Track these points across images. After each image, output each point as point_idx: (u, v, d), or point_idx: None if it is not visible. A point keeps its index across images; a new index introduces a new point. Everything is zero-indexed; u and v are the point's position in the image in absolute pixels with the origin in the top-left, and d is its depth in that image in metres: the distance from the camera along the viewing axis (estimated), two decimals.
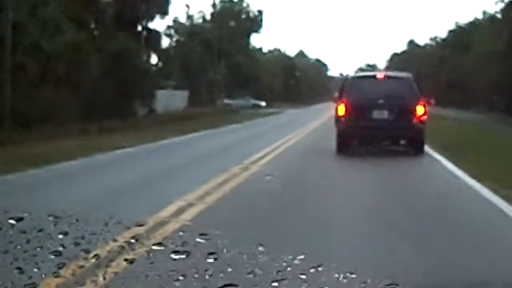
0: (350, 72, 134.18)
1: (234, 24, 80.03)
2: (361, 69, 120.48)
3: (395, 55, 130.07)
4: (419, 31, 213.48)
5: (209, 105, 52.31)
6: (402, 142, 15.61)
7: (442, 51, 77.45)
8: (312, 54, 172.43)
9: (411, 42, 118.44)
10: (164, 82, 66.02)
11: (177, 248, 1.87)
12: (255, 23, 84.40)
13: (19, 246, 1.94)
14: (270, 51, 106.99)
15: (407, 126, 14.94)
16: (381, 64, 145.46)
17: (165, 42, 67.42)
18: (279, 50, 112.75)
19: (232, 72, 70.48)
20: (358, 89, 15.42)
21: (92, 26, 32.50)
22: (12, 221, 2.00)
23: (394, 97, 15.18)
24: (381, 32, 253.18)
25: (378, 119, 15.08)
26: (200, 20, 79.10)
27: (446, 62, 73.23)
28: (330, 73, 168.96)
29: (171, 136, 21.40)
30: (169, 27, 70.74)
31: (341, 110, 15.18)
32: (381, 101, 15.13)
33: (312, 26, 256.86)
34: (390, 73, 18.42)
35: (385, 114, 15.15)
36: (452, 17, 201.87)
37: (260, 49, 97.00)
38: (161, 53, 61.92)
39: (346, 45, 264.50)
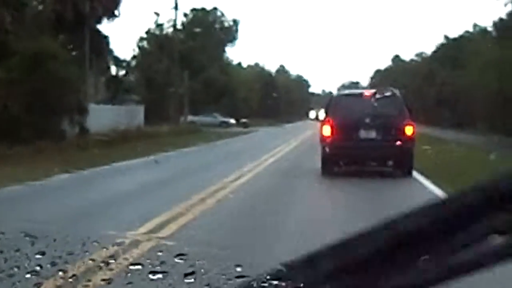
0: (333, 89, 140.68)
1: (207, 34, 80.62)
2: (344, 86, 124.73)
3: (378, 71, 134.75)
4: (404, 47, 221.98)
5: (170, 123, 51.49)
6: (390, 163, 16.33)
7: (429, 66, 79.26)
8: (293, 70, 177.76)
9: (396, 58, 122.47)
10: (127, 96, 66.36)
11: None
12: (229, 34, 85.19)
13: None
14: (249, 66, 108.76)
15: (395, 146, 15.66)
16: (365, 80, 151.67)
17: (129, 53, 68.16)
18: (258, 65, 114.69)
19: (204, 87, 71.14)
20: (344, 108, 16.12)
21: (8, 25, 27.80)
22: None
23: (381, 116, 15.92)
24: (365, 49, 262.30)
25: (365, 139, 15.81)
26: (171, 30, 79.54)
27: (435, 77, 74.79)
28: (312, 89, 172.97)
29: (74, 167, 16.59)
30: (142, 38, 71.44)
31: (326, 129, 15.89)
32: (368, 120, 15.86)
33: (294, 41, 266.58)
34: (377, 91, 19.24)
35: (372, 134, 15.89)
36: (438, 32, 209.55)
37: (239, 63, 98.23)
38: (118, 62, 62.33)
39: (328, 61, 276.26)
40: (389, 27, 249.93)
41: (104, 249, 2.68)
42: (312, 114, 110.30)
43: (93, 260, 2.38)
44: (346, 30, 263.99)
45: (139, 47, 72.64)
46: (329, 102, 17.09)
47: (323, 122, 16.37)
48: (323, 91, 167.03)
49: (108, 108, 41.24)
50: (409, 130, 15.85)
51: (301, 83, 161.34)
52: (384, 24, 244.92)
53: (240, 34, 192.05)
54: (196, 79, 70.07)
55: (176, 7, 47.98)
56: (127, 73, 69.40)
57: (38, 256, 2.19)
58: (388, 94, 16.76)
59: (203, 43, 77.36)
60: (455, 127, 62.23)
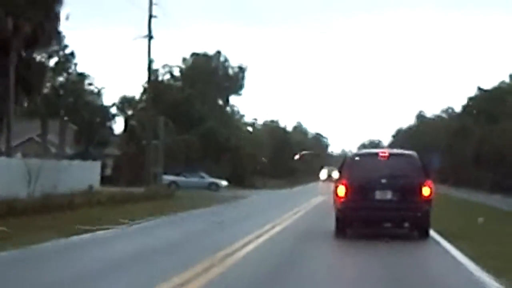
0: (353, 148, 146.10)
1: (207, 82, 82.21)
2: (364, 146, 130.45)
3: (400, 130, 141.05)
4: (428, 104, 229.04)
5: (141, 183, 48.57)
6: (406, 225, 18.73)
7: (461, 122, 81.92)
8: (311, 128, 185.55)
9: (420, 115, 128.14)
10: (108, 148, 68.65)
11: None
12: (234, 81, 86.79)
13: None
14: (265, 123, 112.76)
15: (412, 208, 18.07)
16: (386, 139, 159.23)
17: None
18: (274, 121, 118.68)
19: (203, 141, 72.86)
20: (359, 168, 18.65)
21: None
22: None
23: (398, 177, 18.42)
24: (386, 106, 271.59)
25: (381, 200, 18.25)
26: (168, 76, 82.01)
27: (468, 134, 76.95)
28: (331, 149, 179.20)
29: None
30: (119, 105, 74.36)
31: (341, 190, 18.36)
32: (384, 181, 18.34)
33: (312, 98, 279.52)
34: (393, 151, 21.75)
35: (388, 195, 18.33)
36: (467, 86, 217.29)
37: (242, 116, 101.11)
38: (96, 110, 64.46)
39: (348, 119, 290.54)
40: (412, 83, 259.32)
41: None
42: (323, 174, 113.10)
43: None
44: (367, 87, 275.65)
45: (119, 109, 75.13)
46: (343, 162, 19.63)
47: (337, 183, 18.82)
48: (343, 150, 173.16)
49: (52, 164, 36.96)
50: (426, 191, 18.24)
51: (320, 141, 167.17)
52: (406, 80, 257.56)
53: (249, 84, 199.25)
54: (192, 132, 72.14)
55: (150, 36, 46.72)
56: (102, 122, 71.78)
57: None
58: (404, 153, 19.28)
59: (203, 91, 79.07)
60: (495, 190, 62.90)
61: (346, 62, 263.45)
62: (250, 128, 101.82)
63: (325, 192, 44.31)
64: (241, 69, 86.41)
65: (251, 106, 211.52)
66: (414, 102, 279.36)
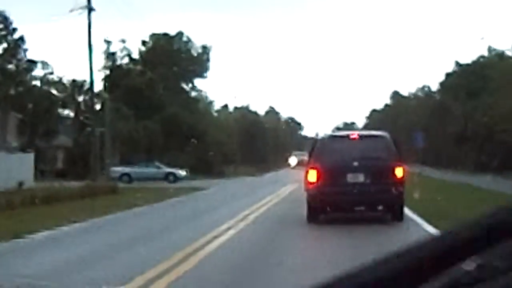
0: (327, 131, 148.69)
1: (169, 64, 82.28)
2: (338, 128, 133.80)
3: (375, 111, 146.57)
4: (401, 84, 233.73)
5: (85, 176, 47.99)
6: (380, 207, 19.58)
7: (438, 99, 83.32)
8: (284, 113, 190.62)
9: (395, 94, 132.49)
10: (53, 139, 67.92)
11: None
12: (198, 63, 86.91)
13: None
14: (236, 108, 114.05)
15: (385, 190, 18.90)
16: (360, 121, 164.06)
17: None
18: (245, 107, 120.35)
19: (165, 128, 72.79)
20: (329, 151, 19.42)
21: None
22: None
23: (370, 159, 19.25)
24: (359, 87, 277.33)
25: (353, 183, 19.08)
26: (126, 60, 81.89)
27: (449, 111, 78.17)
28: (305, 132, 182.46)
29: None
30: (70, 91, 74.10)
31: (312, 174, 19.14)
32: (355, 163, 19.15)
33: (284, 82, 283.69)
34: (364, 132, 22.57)
35: (360, 178, 19.17)
36: (444, 63, 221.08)
37: (210, 101, 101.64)
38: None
39: (322, 102, 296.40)
40: (385, 62, 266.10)
41: None
42: (292, 161, 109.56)
43: None
44: (340, 69, 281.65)
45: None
46: (313, 145, 20.34)
47: (307, 168, 19.60)
48: (317, 134, 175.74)
49: None
50: (399, 172, 19.08)
51: (293, 125, 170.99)
52: (379, 60, 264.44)
53: (216, 68, 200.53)
54: (154, 119, 72.03)
55: (89, 7, 46.04)
56: (49, 110, 70.86)
57: None
58: (376, 134, 20.10)
59: (165, 75, 79.11)
60: (481, 170, 62.76)
61: (317, 43, 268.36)
62: (215, 114, 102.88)
63: (296, 179, 43.46)
64: (205, 49, 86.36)
65: (220, 91, 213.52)
66: (388, 82, 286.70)
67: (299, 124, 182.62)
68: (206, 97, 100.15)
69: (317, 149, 19.65)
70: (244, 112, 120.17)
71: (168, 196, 36.45)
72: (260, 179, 68.01)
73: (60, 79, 72.94)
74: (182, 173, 60.31)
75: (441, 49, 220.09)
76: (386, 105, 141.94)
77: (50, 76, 72.50)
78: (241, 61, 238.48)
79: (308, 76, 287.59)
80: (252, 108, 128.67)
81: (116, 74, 74.32)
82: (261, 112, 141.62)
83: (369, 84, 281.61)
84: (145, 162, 61.42)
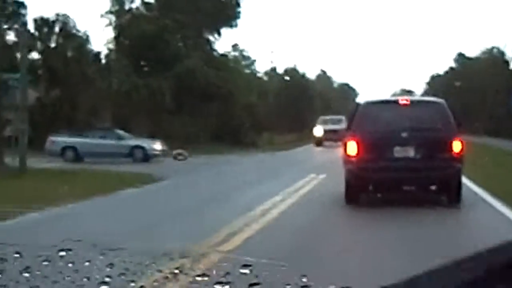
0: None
1: (189, 10, 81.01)
2: (395, 95, 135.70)
3: (436, 76, 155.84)
4: (466, 46, 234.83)
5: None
6: (433, 187, 19.94)
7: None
8: (338, 78, 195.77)
9: (460, 56, 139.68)
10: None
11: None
12: (226, 9, 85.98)
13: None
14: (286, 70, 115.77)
15: (440, 167, 19.24)
16: (419, 88, 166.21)
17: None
18: (293, 69, 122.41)
19: (179, 86, 70.70)
20: (373, 119, 19.79)
21: None
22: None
23: (422, 129, 19.56)
24: (418, 52, 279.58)
25: (401, 158, 19.43)
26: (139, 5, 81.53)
27: None
28: (360, 99, 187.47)
29: None
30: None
31: (351, 147, 19.54)
32: (404, 135, 19.46)
33: (337, 46, 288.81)
34: (416, 98, 22.88)
35: (410, 152, 19.51)
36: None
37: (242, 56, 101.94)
38: None
39: (378, 68, 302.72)
40: (447, 23, 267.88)
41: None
42: (318, 131, 78.73)
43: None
44: (397, 32, 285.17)
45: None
46: (354, 111, 20.63)
47: (347, 138, 19.98)
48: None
49: None
50: (457, 146, 19.38)
51: (346, 92, 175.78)
52: (440, 20, 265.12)
53: (253, 19, 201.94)
54: (164, 75, 70.56)
55: None
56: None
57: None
58: (430, 100, 20.43)
59: (183, 23, 77.71)
60: None
61: (373, 4, 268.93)
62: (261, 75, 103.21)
63: (324, 162, 39.65)
64: None
65: (258, 48, 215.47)
66: (450, 44, 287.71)
67: (353, 90, 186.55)
68: (243, 54, 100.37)
69: (358, 116, 19.91)
70: (290, 73, 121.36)
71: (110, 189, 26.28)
72: (286, 153, 62.79)
73: None
74: (157, 146, 48.78)
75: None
76: (451, 68, 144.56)
77: None
78: (285, 15, 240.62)
79: (363, 39, 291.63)
80: (300, 70, 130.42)
81: (124, 20, 74.10)
82: (312, 76, 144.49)
83: (429, 48, 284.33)
84: (102, 131, 51.19)
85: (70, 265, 3.77)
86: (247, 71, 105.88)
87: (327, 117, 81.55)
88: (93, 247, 4.20)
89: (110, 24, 74.91)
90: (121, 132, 50.25)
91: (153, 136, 53.16)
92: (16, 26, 64.77)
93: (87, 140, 48.02)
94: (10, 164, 35.25)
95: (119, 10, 76.13)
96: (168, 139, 55.70)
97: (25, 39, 41.71)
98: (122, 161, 45.20)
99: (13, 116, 35.40)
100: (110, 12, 75.62)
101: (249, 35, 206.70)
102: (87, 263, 3.82)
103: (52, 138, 48.10)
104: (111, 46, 70.79)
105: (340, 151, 20.96)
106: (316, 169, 33.85)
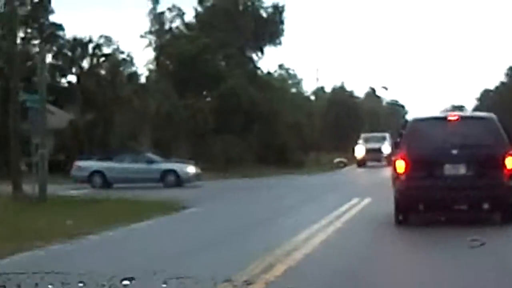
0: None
1: (230, 28, 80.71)
2: (445, 112, 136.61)
3: (486, 91, 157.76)
4: None
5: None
6: (485, 206, 19.82)
7: None
8: (386, 95, 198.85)
9: (511, 71, 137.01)
10: None
11: None
12: (269, 26, 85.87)
13: None
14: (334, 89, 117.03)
15: (492, 185, 19.15)
16: (470, 104, 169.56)
17: None
18: (341, 87, 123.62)
19: (220, 107, 70.11)
20: (423, 136, 19.77)
21: None
22: None
23: (473, 146, 19.50)
24: (468, 67, 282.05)
25: (452, 176, 19.37)
26: (178, 23, 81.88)
27: None
28: (409, 116, 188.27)
29: None
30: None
31: (400, 165, 19.52)
32: (455, 152, 19.42)
33: (386, 63, 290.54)
34: (466, 113, 22.83)
35: (461, 169, 19.46)
36: None
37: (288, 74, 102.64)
38: None
39: (427, 84, 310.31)
40: (498, 35, 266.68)
41: None
42: (359, 151, 73.55)
43: None
44: (446, 47, 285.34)
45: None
46: (403, 129, 20.66)
47: (396, 157, 19.97)
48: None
49: None
50: (509, 163, 19.25)
51: (395, 109, 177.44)
52: (490, 33, 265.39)
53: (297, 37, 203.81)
54: (206, 94, 70.55)
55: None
56: None
57: None
58: (480, 116, 20.35)
59: (222, 42, 77.44)
60: None
61: (422, 20, 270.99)
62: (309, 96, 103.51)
63: (368, 187, 36.11)
64: (277, 9, 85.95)
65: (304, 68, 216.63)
66: (501, 58, 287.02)
67: (403, 107, 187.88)
68: (289, 73, 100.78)
69: (407, 133, 19.96)
70: (338, 91, 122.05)
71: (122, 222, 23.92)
72: (330, 178, 56.76)
73: None
74: (189, 170, 46.62)
75: None
76: (502, 83, 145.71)
77: None
78: (331, 33, 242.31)
79: (412, 55, 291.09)
80: (349, 88, 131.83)
81: (164, 40, 74.59)
82: (360, 94, 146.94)
83: (479, 62, 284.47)
84: (132, 155, 49.21)
85: None
86: (294, 90, 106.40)
87: (369, 135, 77.48)
88: None
89: (150, 44, 75.57)
90: (152, 155, 48.65)
91: (191, 158, 51.94)
92: (54, 48, 65.44)
93: (116, 164, 46.38)
94: (30, 192, 33.06)
95: (159, 30, 76.76)
96: (209, 162, 55.57)
97: (44, 55, 41.29)
98: (154, 186, 43.61)
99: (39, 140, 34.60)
100: (150, 32, 76.29)
101: (294, 53, 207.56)
102: None
103: (79, 163, 46.74)
104: (151, 66, 71.29)
105: (384, 171, 20.83)
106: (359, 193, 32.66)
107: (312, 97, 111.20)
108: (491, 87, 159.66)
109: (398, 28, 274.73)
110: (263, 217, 25.32)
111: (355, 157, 73.41)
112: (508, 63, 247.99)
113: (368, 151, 70.15)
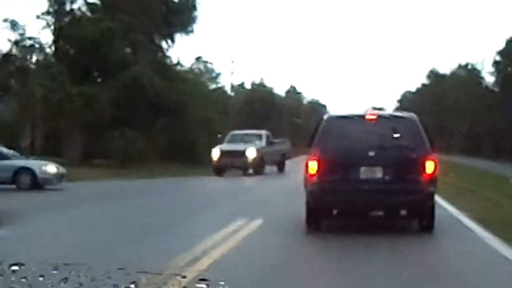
0: None
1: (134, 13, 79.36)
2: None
3: (407, 93, 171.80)
4: (438, 63, 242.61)
5: None
6: (403, 212, 19.94)
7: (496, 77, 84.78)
8: (307, 94, 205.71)
9: (432, 73, 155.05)
10: None
11: None
12: (180, 12, 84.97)
13: None
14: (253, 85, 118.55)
15: (410, 190, 19.19)
16: (391, 105, 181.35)
17: None
18: (260, 84, 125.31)
19: (124, 94, 68.42)
20: (338, 136, 19.71)
21: None
22: None
23: (391, 148, 19.50)
24: (389, 69, 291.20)
25: (368, 180, 19.33)
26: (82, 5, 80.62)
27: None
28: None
29: None
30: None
31: (313, 166, 19.43)
32: (372, 153, 19.37)
33: (306, 61, 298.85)
34: (385, 113, 22.87)
35: (378, 173, 19.41)
36: (485, 40, 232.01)
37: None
38: None
39: (348, 85, 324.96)
40: (419, 39, 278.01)
41: None
42: (215, 154, 54.33)
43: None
44: (368, 48, 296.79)
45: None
46: (316, 128, 20.33)
47: (308, 157, 19.87)
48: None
49: None
50: (430, 167, 19.28)
51: (316, 109, 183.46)
52: (411, 37, 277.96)
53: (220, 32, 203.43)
54: (105, 84, 69.08)
55: None
56: None
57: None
58: (401, 116, 20.43)
59: (129, 26, 76.14)
60: None
61: (344, 21, 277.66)
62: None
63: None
64: None
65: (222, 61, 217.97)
66: (422, 61, 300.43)
67: (324, 106, 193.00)
68: (207, 66, 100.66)
69: (321, 132, 19.77)
70: (259, 89, 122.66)
71: None
72: (219, 185, 46.87)
73: None
74: (50, 169, 40.06)
75: (487, 21, 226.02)
76: (423, 85, 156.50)
77: None
78: (250, 28, 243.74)
79: (334, 55, 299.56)
80: (268, 85, 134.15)
81: (63, 22, 73.39)
82: (281, 92, 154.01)
83: (401, 65, 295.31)
84: None
85: None
86: (214, 85, 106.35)
87: (240, 132, 61.46)
88: None
89: (48, 26, 74.35)
90: (3, 149, 41.66)
91: (58, 155, 48.04)
92: None
93: None
94: None
95: (58, 11, 75.43)
96: (106, 158, 54.10)
97: None
98: (2, 189, 37.74)
99: None
100: (48, 13, 74.90)
101: (210, 44, 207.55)
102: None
103: None
104: (49, 50, 70.21)
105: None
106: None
107: (232, 93, 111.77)
108: (412, 89, 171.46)
109: (322, 28, 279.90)
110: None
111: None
112: (430, 66, 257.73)
113: (225, 154, 54.01)
